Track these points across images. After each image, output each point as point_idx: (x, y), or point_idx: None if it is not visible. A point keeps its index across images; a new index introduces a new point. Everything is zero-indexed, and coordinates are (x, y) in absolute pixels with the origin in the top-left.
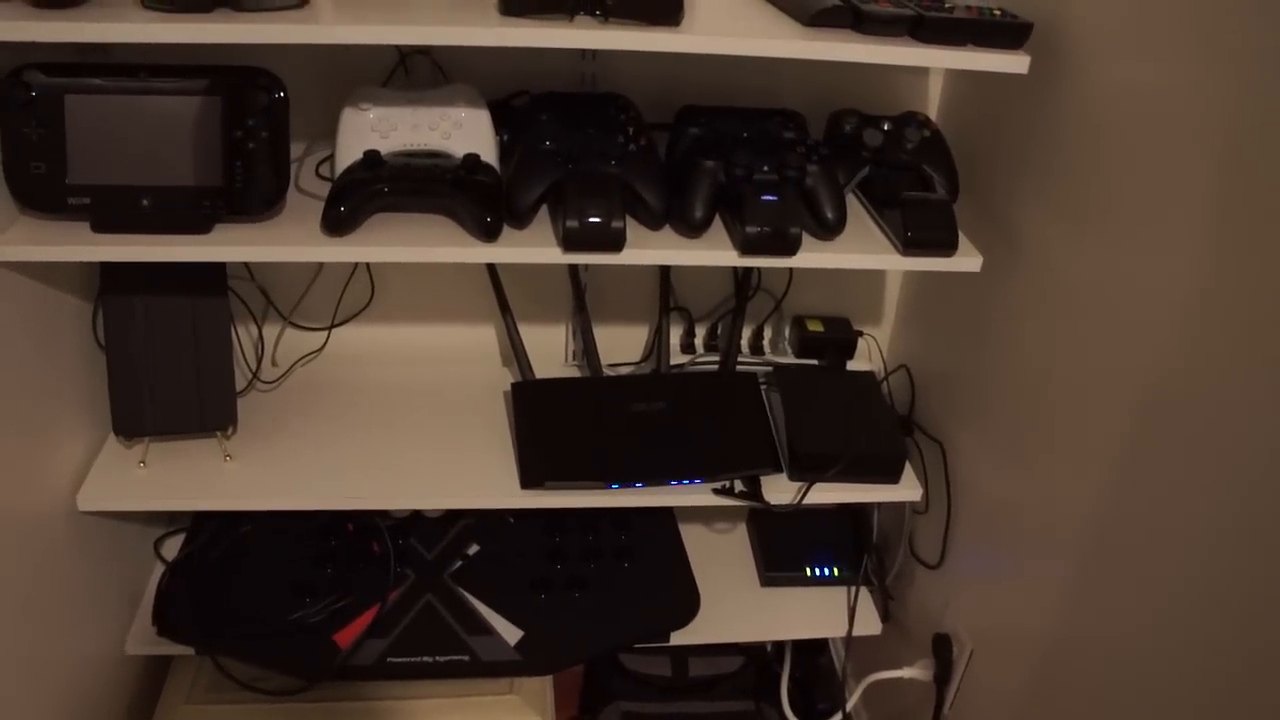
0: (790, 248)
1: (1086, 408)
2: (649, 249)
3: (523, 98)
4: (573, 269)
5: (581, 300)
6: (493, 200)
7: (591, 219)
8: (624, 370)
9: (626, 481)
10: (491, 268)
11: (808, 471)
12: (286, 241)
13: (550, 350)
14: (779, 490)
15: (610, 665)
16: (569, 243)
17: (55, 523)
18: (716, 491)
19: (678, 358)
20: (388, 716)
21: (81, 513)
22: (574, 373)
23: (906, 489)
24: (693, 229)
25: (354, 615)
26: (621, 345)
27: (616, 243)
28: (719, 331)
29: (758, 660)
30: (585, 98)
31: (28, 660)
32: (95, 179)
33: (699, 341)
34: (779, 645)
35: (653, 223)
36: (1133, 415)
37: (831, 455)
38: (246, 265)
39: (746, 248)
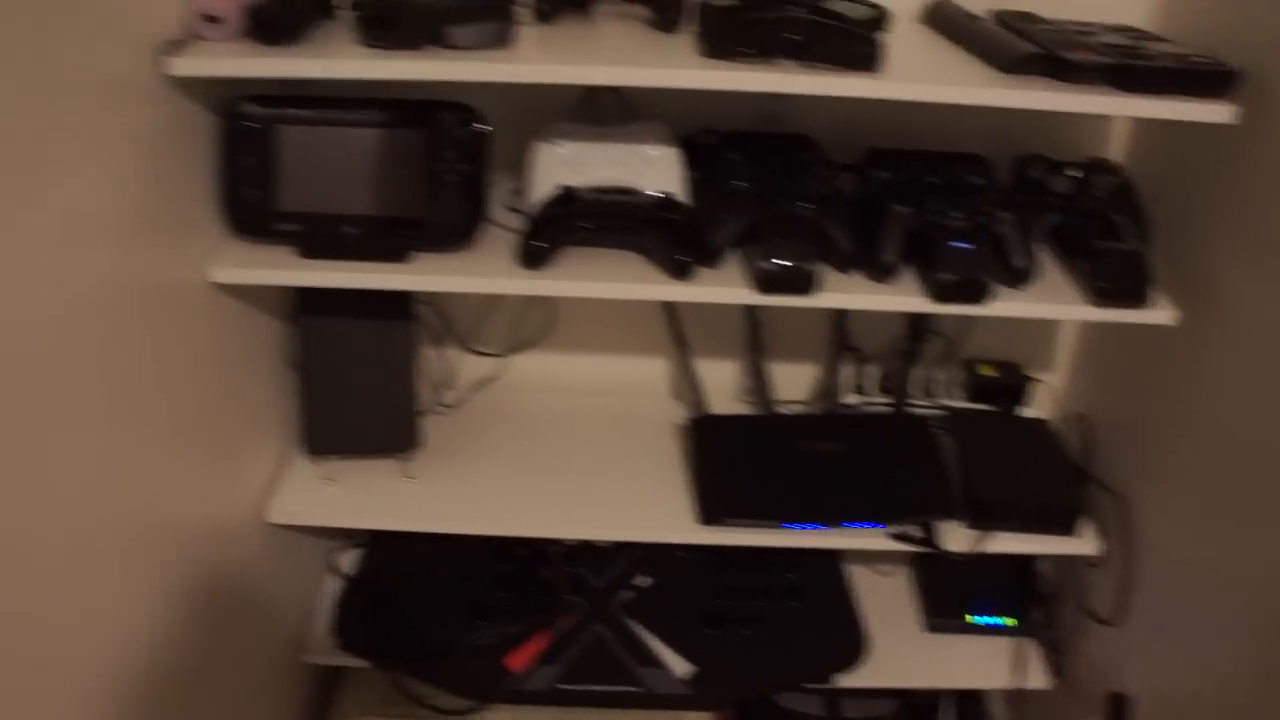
0: (981, 296)
1: None
2: (839, 293)
3: (709, 135)
4: (749, 306)
5: (757, 337)
6: (686, 239)
7: (786, 261)
8: (794, 409)
9: (805, 522)
10: (670, 305)
11: (985, 520)
12: (483, 273)
13: (719, 385)
14: (952, 536)
15: (763, 702)
16: (763, 284)
17: (247, 534)
18: (892, 537)
19: (848, 398)
20: None
21: (270, 525)
22: (744, 409)
23: (1084, 542)
24: (884, 273)
25: (525, 639)
26: (790, 383)
27: (809, 286)
28: (889, 372)
29: (912, 706)
30: (773, 138)
31: (218, 663)
32: (303, 206)
33: (868, 382)
34: (934, 691)
35: (841, 265)
36: None
37: (1010, 504)
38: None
39: (939, 295)
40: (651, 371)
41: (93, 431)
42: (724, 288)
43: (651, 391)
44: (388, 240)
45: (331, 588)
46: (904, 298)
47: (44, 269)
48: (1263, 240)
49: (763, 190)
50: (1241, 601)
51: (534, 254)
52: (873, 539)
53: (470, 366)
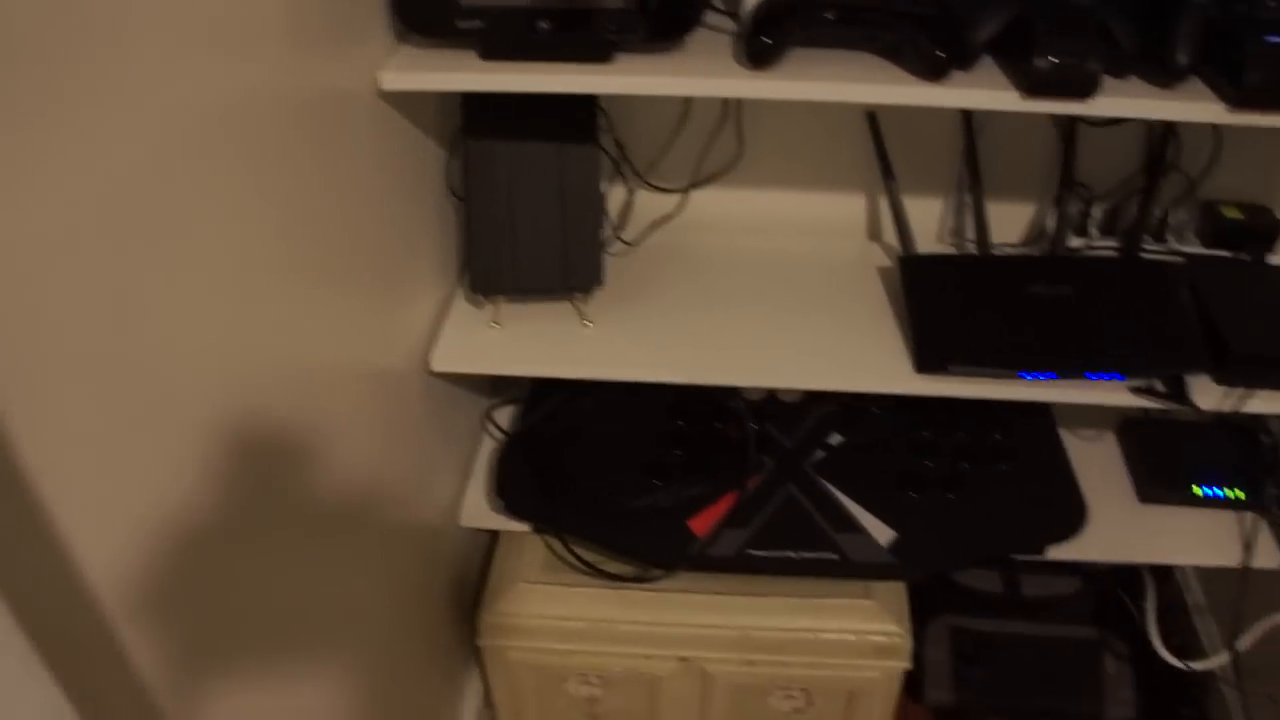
0: None
1: None
2: (1121, 100)
3: None
4: (968, 129)
5: (975, 167)
6: (937, 35)
7: (1063, 59)
8: (1012, 250)
9: (1039, 371)
10: (875, 127)
11: (1243, 376)
12: (701, 72)
13: (920, 228)
14: (1203, 393)
15: (937, 577)
16: (1036, 86)
17: (407, 382)
18: (1135, 391)
19: (1070, 241)
20: (735, 613)
21: (431, 374)
22: (952, 252)
23: None
24: (1172, 75)
25: (709, 502)
26: (1000, 225)
27: (1090, 88)
28: (1118, 212)
29: (1097, 584)
30: None
31: (377, 525)
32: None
33: (1092, 224)
34: (1120, 571)
35: (1119, 68)
36: None
37: (1276, 358)
38: (606, 115)
39: (1245, 99)
40: (846, 210)
41: (240, 263)
42: (984, 91)
43: (847, 232)
44: (589, 37)
45: (489, 449)
46: (1198, 104)
47: (189, 71)
48: None
49: None
50: None
51: (761, 51)
52: (1113, 394)
53: (647, 204)
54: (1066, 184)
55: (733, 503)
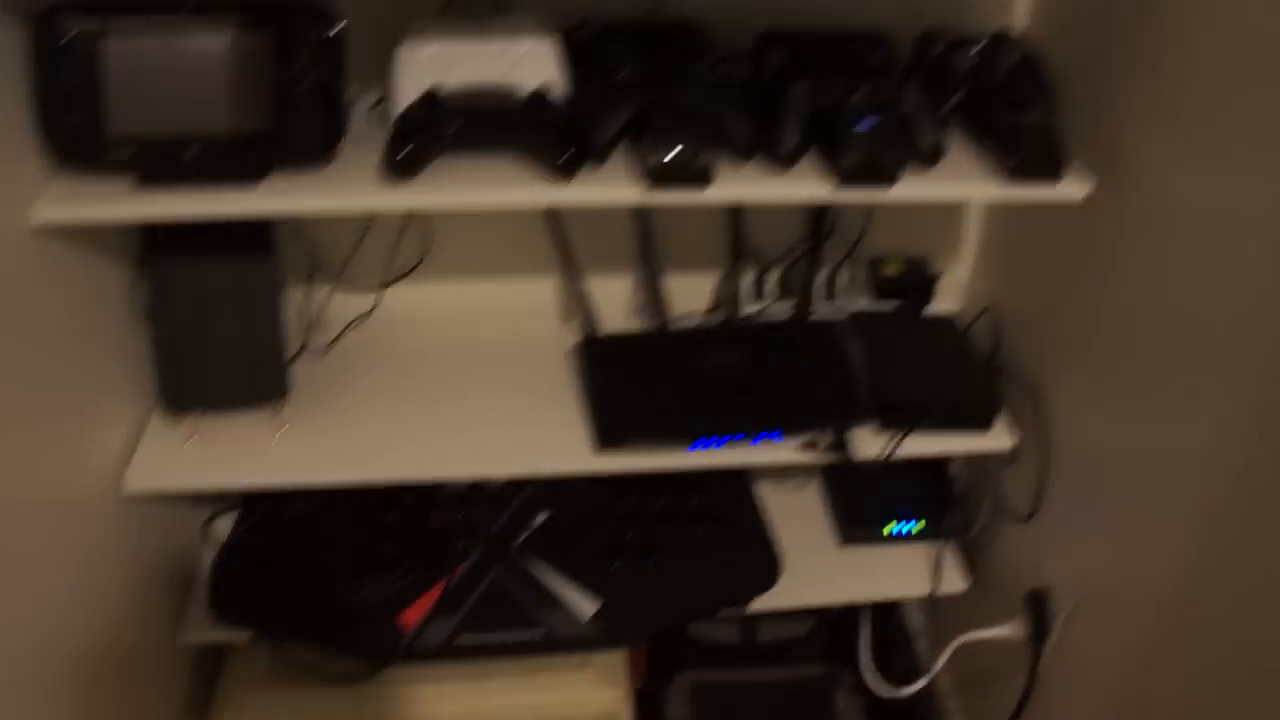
0: (890, 177)
1: (1210, 347)
2: (738, 184)
3: (587, 28)
4: (641, 212)
5: (649, 247)
6: (567, 136)
7: (679, 152)
8: (691, 322)
9: (708, 439)
10: (554, 217)
11: (898, 422)
12: (346, 191)
13: (613, 303)
14: (865, 443)
15: (677, 634)
16: (655, 178)
17: (101, 506)
18: (801, 448)
19: (748, 305)
20: (457, 699)
21: (129, 495)
22: (639, 326)
23: (1000, 437)
24: (784, 161)
25: (418, 593)
26: (687, 294)
27: (705, 177)
28: (790, 276)
29: (828, 623)
30: (654, 26)
31: (77, 655)
32: (138, 128)
33: (768, 287)
34: (849, 608)
35: (739, 156)
36: (1262, 356)
37: (922, 405)
38: (298, 221)
39: (845, 179)
40: (539, 294)
41: None
42: (613, 186)
43: (540, 315)
44: (237, 161)
45: (208, 560)
46: (806, 186)
47: None
48: (1173, 103)
49: (649, 80)
50: (1169, 487)
51: (400, 165)
52: (781, 453)
53: (342, 304)
54: (737, 255)
55: (440, 592)
